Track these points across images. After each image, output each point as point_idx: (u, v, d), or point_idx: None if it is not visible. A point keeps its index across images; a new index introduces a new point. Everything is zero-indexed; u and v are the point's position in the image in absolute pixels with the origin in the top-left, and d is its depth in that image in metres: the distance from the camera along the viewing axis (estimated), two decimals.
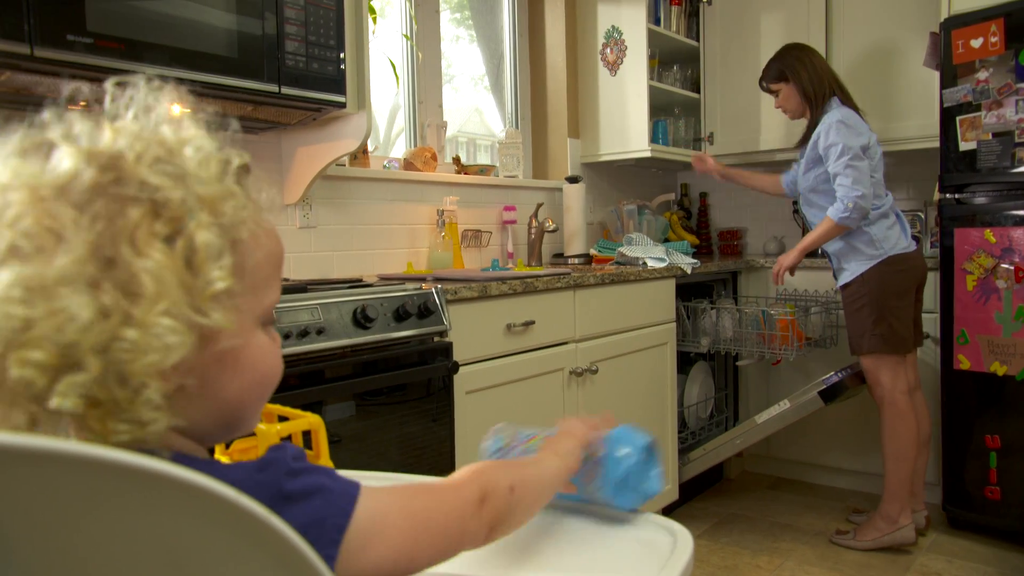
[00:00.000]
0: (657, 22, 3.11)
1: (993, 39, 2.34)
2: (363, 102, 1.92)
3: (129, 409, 0.46)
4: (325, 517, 0.50)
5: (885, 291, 2.33)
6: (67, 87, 0.54)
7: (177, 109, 0.53)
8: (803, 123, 3.09)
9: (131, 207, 0.46)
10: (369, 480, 0.90)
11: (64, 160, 0.46)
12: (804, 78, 2.45)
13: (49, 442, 0.35)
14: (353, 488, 0.52)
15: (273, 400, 0.60)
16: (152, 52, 1.46)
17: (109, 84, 0.52)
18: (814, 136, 2.40)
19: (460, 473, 0.62)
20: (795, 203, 3.40)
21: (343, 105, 1.83)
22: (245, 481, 0.47)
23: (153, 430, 0.47)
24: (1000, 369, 2.37)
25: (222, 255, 0.49)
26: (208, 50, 1.55)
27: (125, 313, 0.45)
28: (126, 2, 1.42)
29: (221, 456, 0.87)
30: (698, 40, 3.33)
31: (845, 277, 2.41)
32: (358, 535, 0.51)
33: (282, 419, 0.85)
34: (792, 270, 2.52)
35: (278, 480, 0.49)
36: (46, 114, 0.49)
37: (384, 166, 2.54)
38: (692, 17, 3.35)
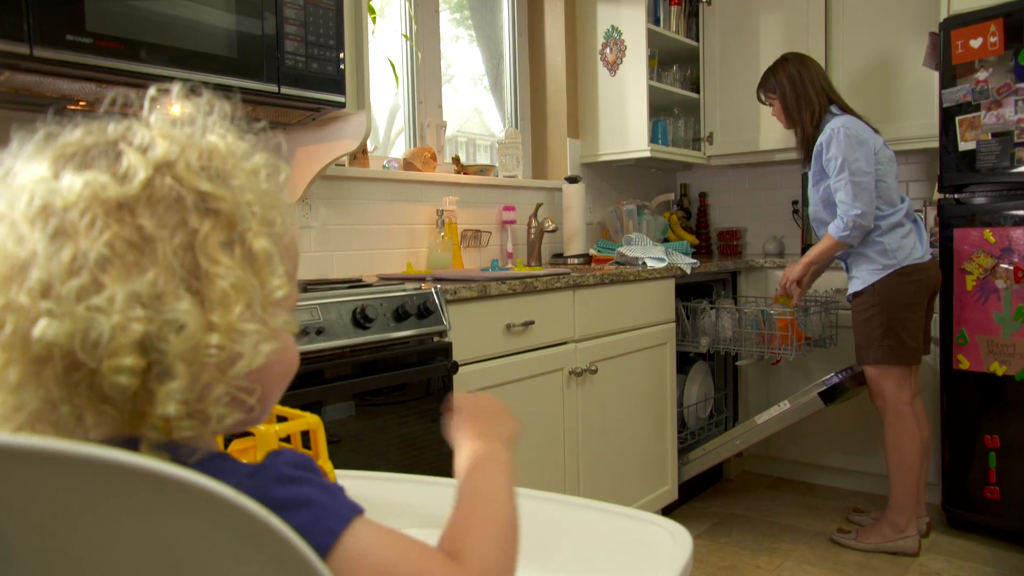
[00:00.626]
0: (657, 22, 3.11)
1: (992, 39, 2.34)
2: (363, 102, 1.92)
3: (196, 407, 0.48)
4: (311, 533, 0.47)
5: (896, 302, 2.29)
6: (111, 92, 0.56)
7: (213, 115, 0.54)
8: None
9: (198, 216, 0.48)
10: (373, 480, 0.90)
11: (137, 171, 0.47)
12: (789, 96, 2.43)
13: (47, 442, 0.35)
14: (348, 511, 0.50)
15: None
16: (152, 52, 1.46)
17: (150, 92, 0.53)
18: (817, 148, 2.36)
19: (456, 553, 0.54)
20: (795, 203, 3.41)
21: (342, 105, 1.83)
22: (235, 487, 0.47)
23: (216, 426, 0.49)
24: (1000, 369, 2.37)
25: (277, 261, 0.51)
26: (208, 50, 1.55)
27: (207, 320, 0.47)
28: (126, 2, 1.42)
29: None
30: (698, 40, 3.33)
31: (856, 285, 2.37)
32: (341, 561, 0.48)
33: (281, 419, 0.85)
34: (800, 282, 2.48)
35: (265, 486, 0.49)
36: (101, 121, 0.50)
37: (384, 166, 2.54)
38: (692, 17, 3.35)
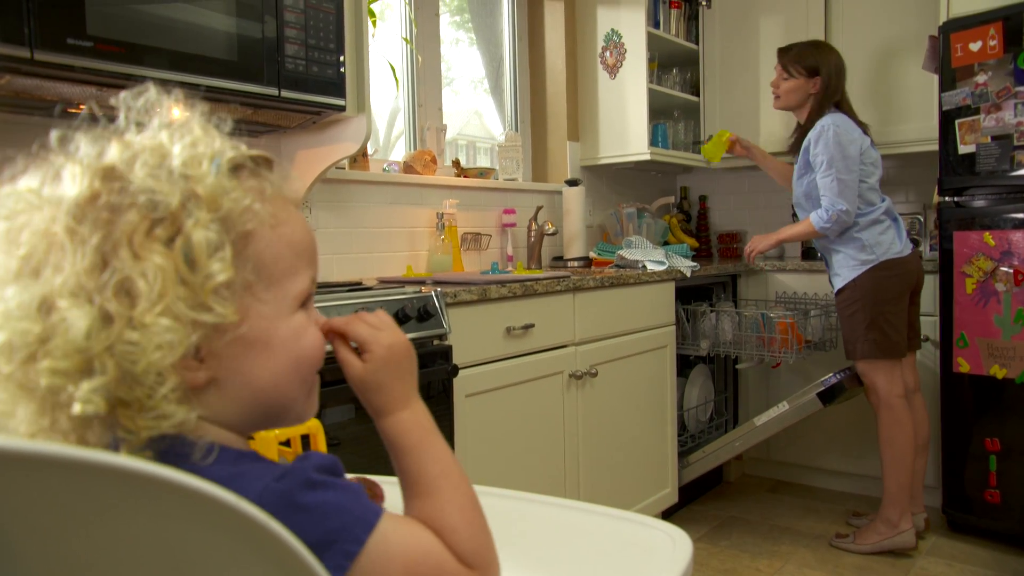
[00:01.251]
0: (656, 25, 3.12)
1: (992, 42, 2.34)
2: (363, 105, 1.92)
3: (151, 405, 0.48)
4: (337, 540, 0.49)
5: (878, 296, 2.33)
6: (75, 92, 0.58)
7: (177, 113, 0.54)
8: (793, 120, 3.11)
9: (127, 213, 0.48)
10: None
11: (67, 179, 0.49)
12: (830, 88, 2.41)
13: (49, 447, 0.36)
14: (373, 515, 0.51)
15: None
16: (152, 56, 1.46)
17: (123, 95, 0.54)
18: (805, 142, 2.40)
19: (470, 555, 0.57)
20: (794, 206, 3.41)
21: (343, 108, 1.83)
22: (263, 491, 0.48)
23: (175, 422, 0.49)
24: (1000, 372, 2.37)
25: (220, 249, 0.50)
26: (208, 54, 1.55)
27: (127, 317, 0.47)
28: (126, 6, 1.43)
29: None
30: (697, 43, 3.34)
31: (838, 282, 2.42)
32: (369, 564, 0.50)
33: None
34: (763, 254, 2.54)
35: (293, 489, 0.49)
36: (52, 136, 0.51)
37: (384, 169, 2.54)
38: (691, 20, 3.36)
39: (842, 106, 2.43)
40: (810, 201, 2.44)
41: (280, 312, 0.54)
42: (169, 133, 0.53)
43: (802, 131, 2.46)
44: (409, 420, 0.61)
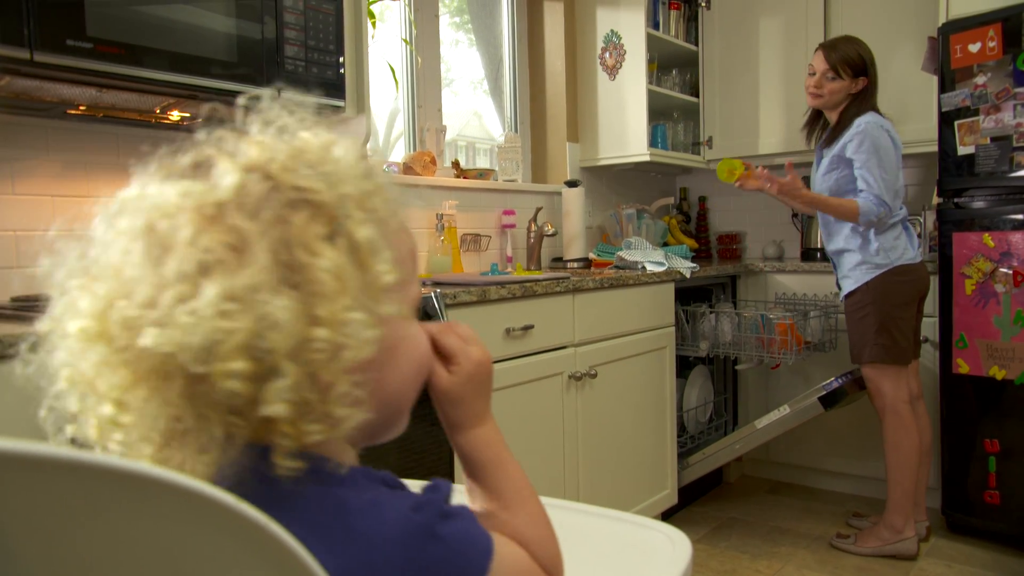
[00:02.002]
0: (656, 26, 3.12)
1: (991, 44, 2.34)
2: (362, 106, 1.92)
3: (321, 408, 0.47)
4: (468, 567, 0.51)
5: (889, 301, 2.31)
6: (206, 106, 0.56)
7: (298, 113, 0.54)
8: (792, 121, 3.09)
9: (293, 212, 0.47)
10: None
11: (226, 176, 0.47)
12: (874, 88, 2.37)
13: (49, 449, 0.35)
14: (488, 540, 0.53)
15: None
16: (152, 57, 1.46)
17: (240, 101, 0.53)
18: (845, 137, 2.32)
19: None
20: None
21: (342, 109, 1.83)
22: (398, 521, 0.49)
23: (346, 428, 0.49)
24: (999, 373, 2.37)
25: (382, 249, 0.50)
26: (208, 54, 1.56)
27: (310, 315, 0.46)
28: (126, 7, 1.43)
29: None
30: (697, 44, 3.34)
31: (849, 285, 2.39)
32: None
33: None
34: (773, 189, 2.33)
35: (432, 522, 0.50)
36: (199, 135, 0.51)
37: (383, 170, 2.54)
38: (691, 21, 3.36)
39: (875, 105, 2.39)
40: (838, 196, 2.36)
41: (406, 317, 0.55)
42: (312, 135, 0.52)
43: (838, 127, 2.37)
44: (486, 436, 0.62)
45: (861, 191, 2.28)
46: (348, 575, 0.47)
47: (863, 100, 2.35)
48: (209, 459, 0.47)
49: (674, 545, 0.72)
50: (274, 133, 0.52)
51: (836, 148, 2.36)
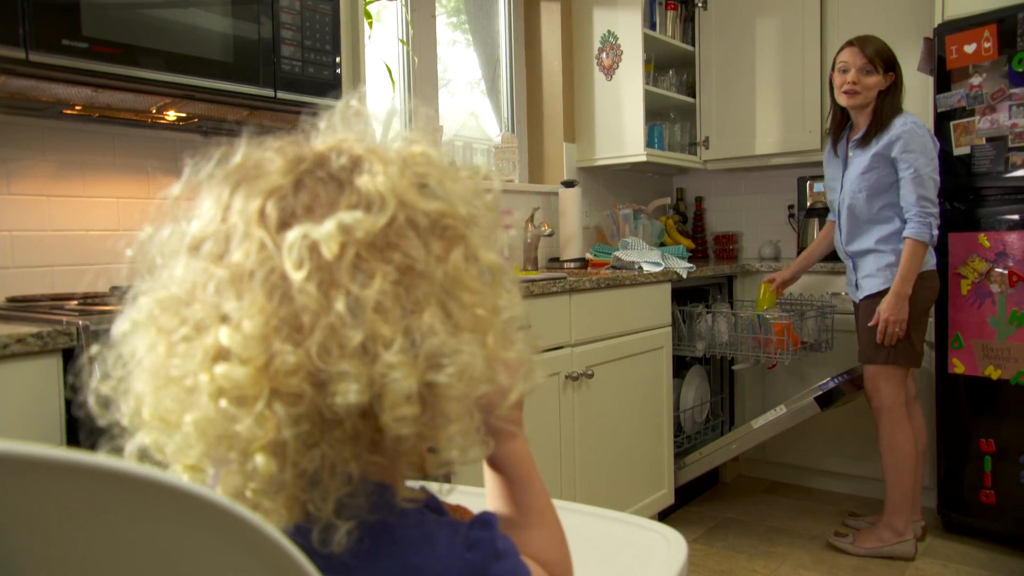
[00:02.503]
0: (653, 27, 3.12)
1: (986, 44, 2.35)
2: None
3: (456, 443, 0.47)
4: None
5: (916, 306, 2.27)
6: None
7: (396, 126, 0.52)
8: (789, 122, 3.10)
9: (436, 241, 0.45)
10: None
11: (384, 201, 0.45)
12: (902, 84, 2.33)
13: (47, 450, 0.35)
14: (527, 572, 0.53)
15: None
16: (148, 57, 1.46)
17: (340, 108, 0.51)
18: (889, 137, 2.27)
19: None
20: (790, 207, 3.42)
21: None
22: (452, 557, 0.48)
23: (471, 458, 0.49)
24: (995, 373, 2.38)
25: (509, 275, 0.49)
26: (204, 55, 1.55)
27: (488, 358, 0.46)
28: (122, 7, 1.42)
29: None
30: (694, 45, 3.34)
31: (875, 285, 2.33)
32: None
33: None
34: (900, 325, 2.27)
35: (485, 562, 0.50)
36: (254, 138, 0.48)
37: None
38: (688, 22, 3.36)
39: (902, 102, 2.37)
40: (875, 196, 2.32)
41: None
42: (425, 147, 0.49)
43: (875, 127, 2.31)
44: (522, 450, 0.62)
45: (910, 210, 2.23)
46: None
47: (895, 97, 2.31)
48: (342, 500, 0.45)
49: (670, 545, 0.72)
50: (386, 145, 0.49)
51: (876, 147, 2.29)
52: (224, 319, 0.43)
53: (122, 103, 1.61)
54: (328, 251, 0.42)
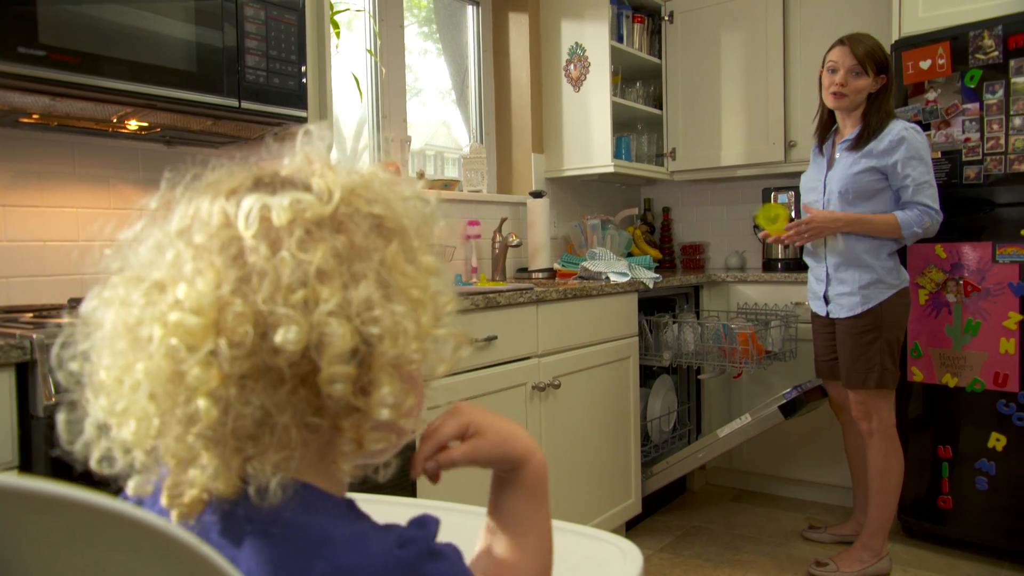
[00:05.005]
0: (620, 39, 3.16)
1: (940, 61, 2.42)
2: (325, 116, 1.92)
3: (399, 416, 0.52)
4: None
5: (897, 324, 2.25)
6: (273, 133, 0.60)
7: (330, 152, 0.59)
8: (754, 133, 3.15)
9: (376, 237, 0.52)
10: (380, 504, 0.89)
11: (334, 192, 0.51)
12: (893, 87, 2.27)
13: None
14: None
15: None
16: (108, 65, 1.44)
17: (300, 133, 0.58)
18: (884, 143, 2.19)
19: None
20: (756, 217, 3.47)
21: (304, 120, 1.82)
22: (383, 555, 0.49)
23: (402, 443, 0.55)
24: (951, 381, 2.43)
25: (444, 275, 0.56)
26: (166, 64, 1.54)
27: (417, 328, 0.52)
28: (81, 13, 1.40)
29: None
30: (660, 58, 3.39)
31: (859, 304, 2.24)
32: None
33: None
34: (813, 233, 2.22)
35: (417, 561, 0.50)
36: (242, 155, 0.56)
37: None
38: (654, 35, 3.41)
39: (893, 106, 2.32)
40: (860, 201, 2.23)
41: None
42: (372, 168, 0.57)
43: (867, 131, 2.23)
44: (542, 464, 0.65)
45: (911, 205, 2.18)
46: None
47: (886, 100, 2.24)
48: (279, 463, 0.48)
49: (625, 557, 0.73)
50: (338, 165, 0.56)
51: (868, 152, 2.21)
52: (181, 279, 0.48)
53: (81, 112, 1.59)
54: (278, 219, 0.48)
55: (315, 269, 0.47)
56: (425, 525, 0.53)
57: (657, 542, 2.64)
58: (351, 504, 0.54)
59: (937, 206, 2.20)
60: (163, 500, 0.49)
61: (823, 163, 2.38)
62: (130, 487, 0.51)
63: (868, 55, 2.20)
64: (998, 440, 2.36)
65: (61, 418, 0.51)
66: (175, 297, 0.47)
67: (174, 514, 0.49)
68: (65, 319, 1.29)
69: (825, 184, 2.34)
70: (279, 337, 0.46)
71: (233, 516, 0.49)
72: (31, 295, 1.70)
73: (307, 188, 0.51)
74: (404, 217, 0.54)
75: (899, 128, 2.21)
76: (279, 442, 0.48)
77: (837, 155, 2.32)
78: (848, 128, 2.31)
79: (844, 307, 2.29)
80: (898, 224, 2.18)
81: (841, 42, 2.26)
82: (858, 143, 2.25)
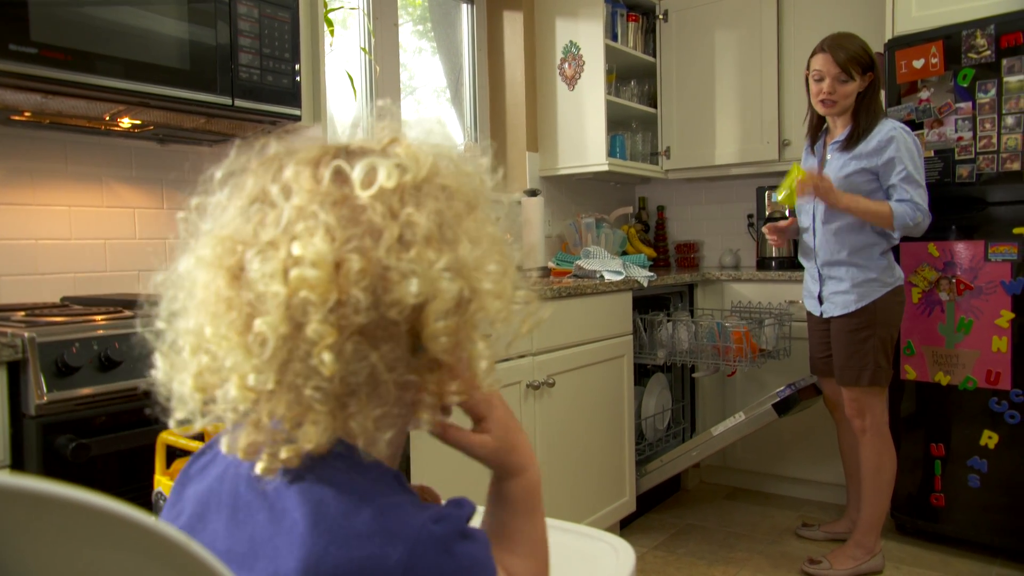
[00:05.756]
0: (615, 38, 3.16)
1: (933, 60, 2.43)
2: (319, 115, 1.91)
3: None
4: None
5: (891, 323, 2.26)
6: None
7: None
8: (748, 132, 3.15)
9: (455, 202, 0.55)
10: None
11: (424, 161, 0.55)
12: (881, 84, 2.26)
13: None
14: (492, 573, 0.55)
15: None
16: (101, 63, 1.44)
17: (376, 108, 0.61)
18: (874, 144, 2.20)
19: None
20: (749, 216, 3.48)
21: (298, 118, 1.82)
22: (418, 526, 0.50)
23: (481, 396, 0.64)
24: (944, 379, 2.44)
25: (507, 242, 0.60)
26: (159, 61, 1.53)
27: (500, 289, 0.56)
28: (73, 10, 1.40)
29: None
30: (655, 56, 3.39)
31: (852, 303, 2.26)
32: None
33: None
34: (815, 193, 2.18)
35: (449, 537, 0.51)
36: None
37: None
38: (649, 33, 3.41)
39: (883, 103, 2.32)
40: (860, 196, 2.23)
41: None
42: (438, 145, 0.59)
43: (858, 131, 2.23)
44: (535, 480, 0.66)
45: (903, 200, 2.17)
46: (354, 564, 0.48)
47: (875, 96, 2.23)
48: (378, 419, 0.50)
49: (618, 555, 0.73)
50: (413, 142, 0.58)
51: (859, 153, 2.22)
52: (295, 238, 0.49)
53: (74, 110, 1.58)
54: (387, 180, 0.51)
55: (425, 229, 0.50)
56: (461, 506, 0.55)
57: (651, 540, 2.64)
58: (398, 475, 0.55)
59: (926, 206, 2.20)
60: (259, 458, 0.50)
61: (815, 163, 2.40)
62: (224, 443, 0.52)
63: (851, 60, 2.19)
64: (990, 438, 2.37)
65: (159, 369, 0.52)
66: (290, 253, 0.48)
67: (260, 466, 0.50)
68: (58, 318, 1.29)
69: None
70: (401, 290, 0.48)
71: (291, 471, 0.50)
72: (23, 293, 1.69)
73: (392, 155, 0.54)
74: (477, 190, 0.57)
75: (888, 128, 2.21)
76: (380, 398, 0.49)
77: (828, 155, 2.34)
78: (839, 128, 2.32)
79: (838, 305, 2.31)
80: (891, 213, 2.17)
81: (822, 49, 2.25)
82: (848, 144, 2.26)
